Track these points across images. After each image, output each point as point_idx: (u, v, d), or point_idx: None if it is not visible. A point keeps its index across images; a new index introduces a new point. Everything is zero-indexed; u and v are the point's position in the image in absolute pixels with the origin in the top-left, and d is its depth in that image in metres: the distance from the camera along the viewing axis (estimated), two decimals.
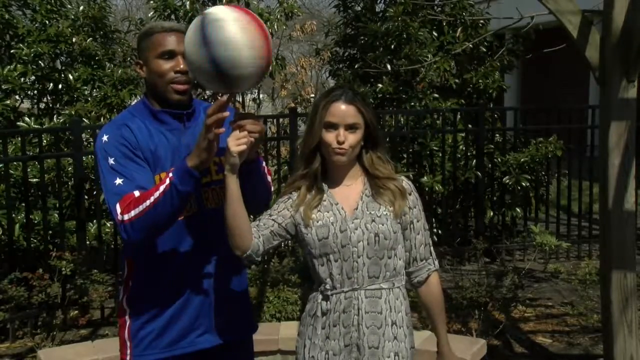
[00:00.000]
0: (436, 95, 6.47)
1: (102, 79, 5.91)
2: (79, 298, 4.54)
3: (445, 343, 2.17)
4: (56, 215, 4.83)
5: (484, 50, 6.83)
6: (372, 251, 2.01)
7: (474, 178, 6.15)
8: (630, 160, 2.85)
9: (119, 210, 1.97)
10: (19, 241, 4.68)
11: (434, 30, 6.74)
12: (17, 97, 5.93)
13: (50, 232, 4.77)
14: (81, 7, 6.31)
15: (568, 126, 6.38)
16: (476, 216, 6.34)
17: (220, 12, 1.88)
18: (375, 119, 2.05)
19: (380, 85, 6.57)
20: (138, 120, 2.12)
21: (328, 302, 2.03)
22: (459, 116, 6.29)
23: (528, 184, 6.16)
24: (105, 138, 2.07)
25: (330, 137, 1.99)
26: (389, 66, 6.51)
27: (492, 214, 6.32)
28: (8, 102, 5.47)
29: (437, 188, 5.92)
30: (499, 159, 6.25)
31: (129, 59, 6.73)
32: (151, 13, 6.33)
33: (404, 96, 6.55)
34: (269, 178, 2.25)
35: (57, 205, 4.80)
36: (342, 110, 1.99)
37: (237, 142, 1.90)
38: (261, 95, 10.38)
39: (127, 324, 2.19)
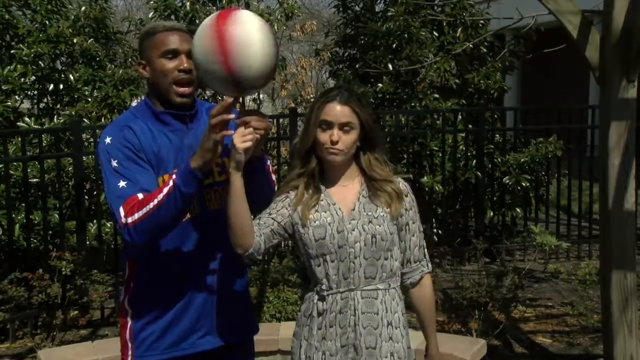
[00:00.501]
0: (436, 95, 6.48)
1: (103, 80, 5.92)
2: (79, 298, 4.54)
3: (434, 345, 2.18)
4: (56, 216, 4.83)
5: (485, 50, 6.83)
6: (369, 252, 2.00)
7: (474, 178, 6.15)
8: (630, 160, 2.85)
9: (122, 213, 1.96)
10: (19, 241, 4.68)
11: (434, 30, 6.74)
12: (17, 97, 5.93)
13: (50, 232, 4.77)
14: (82, 8, 6.31)
15: (568, 126, 6.38)
16: (476, 216, 6.34)
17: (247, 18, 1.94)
18: (371, 120, 2.05)
19: (380, 85, 6.58)
20: (140, 121, 2.11)
21: (324, 303, 2.02)
22: (459, 116, 6.30)
23: (528, 184, 6.16)
24: (108, 140, 2.06)
25: (324, 136, 1.99)
26: (390, 66, 6.51)
27: (492, 214, 6.32)
28: (8, 102, 5.47)
29: (437, 188, 5.93)
30: (499, 159, 6.25)
31: (129, 59, 6.73)
32: (151, 13, 6.33)
33: (404, 96, 6.56)
34: (273, 177, 2.24)
35: (57, 205, 4.80)
36: (337, 110, 1.99)
37: (242, 139, 1.90)
38: (261, 96, 10.36)
39: (129, 325, 2.19)
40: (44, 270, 4.34)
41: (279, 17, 6.47)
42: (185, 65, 2.06)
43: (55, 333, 4.38)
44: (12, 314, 4.37)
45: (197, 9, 6.16)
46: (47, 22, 5.99)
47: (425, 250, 2.16)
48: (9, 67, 5.52)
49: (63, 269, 4.33)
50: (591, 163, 5.65)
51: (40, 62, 5.76)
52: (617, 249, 2.90)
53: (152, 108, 2.13)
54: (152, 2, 6.33)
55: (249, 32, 1.88)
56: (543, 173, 6.50)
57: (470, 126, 6.37)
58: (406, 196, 2.09)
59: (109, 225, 5.10)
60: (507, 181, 6.16)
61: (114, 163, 2.01)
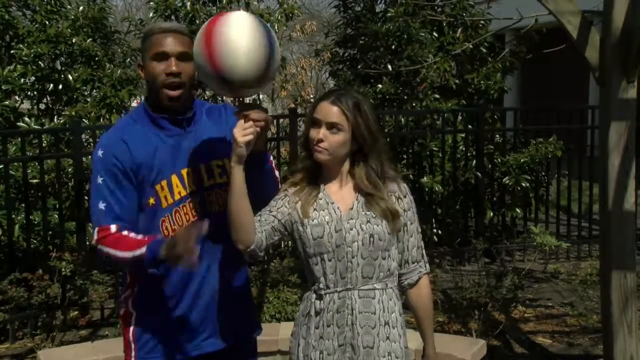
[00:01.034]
0: (437, 95, 6.48)
1: (102, 79, 5.91)
2: (78, 299, 4.54)
3: (431, 346, 2.17)
4: (56, 216, 4.82)
5: (485, 51, 6.83)
6: (367, 252, 2.00)
7: (473, 178, 6.15)
8: (630, 160, 2.85)
9: (96, 236, 2.07)
10: (18, 242, 4.69)
11: (434, 31, 6.74)
12: (17, 97, 5.93)
13: (50, 232, 4.77)
14: (81, 8, 6.31)
15: (568, 126, 6.37)
16: (476, 217, 6.34)
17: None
18: (366, 130, 1.99)
19: (380, 85, 6.58)
20: (139, 126, 2.11)
21: (321, 302, 2.03)
22: (459, 117, 6.30)
23: (528, 184, 6.16)
24: (100, 153, 2.08)
25: (313, 133, 2.00)
26: (390, 66, 6.51)
27: (492, 214, 6.32)
28: (8, 102, 5.47)
29: (437, 188, 5.93)
30: (499, 160, 6.25)
31: (128, 59, 6.73)
32: (151, 14, 6.33)
33: (404, 97, 6.56)
34: (277, 173, 2.23)
35: (57, 205, 4.79)
36: (326, 108, 1.99)
37: (243, 132, 1.90)
38: (261, 96, 10.38)
39: (132, 326, 2.19)
40: (44, 270, 4.33)
41: (279, 17, 6.46)
42: (174, 68, 2.04)
43: (55, 333, 4.37)
44: (12, 315, 4.37)
45: (198, 9, 6.15)
46: (46, 22, 5.99)
47: (424, 251, 2.16)
48: (8, 67, 5.52)
49: (63, 270, 4.33)
50: (591, 163, 5.64)
51: (40, 62, 5.76)
52: (617, 249, 2.90)
53: (149, 113, 2.13)
54: (152, 3, 6.33)
55: (234, 31, 1.87)
56: (543, 173, 6.49)
57: (470, 126, 6.37)
58: (404, 196, 2.09)
59: None
60: (507, 181, 6.15)
61: (99, 180, 2.07)
